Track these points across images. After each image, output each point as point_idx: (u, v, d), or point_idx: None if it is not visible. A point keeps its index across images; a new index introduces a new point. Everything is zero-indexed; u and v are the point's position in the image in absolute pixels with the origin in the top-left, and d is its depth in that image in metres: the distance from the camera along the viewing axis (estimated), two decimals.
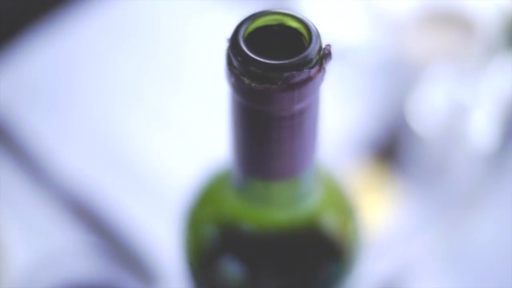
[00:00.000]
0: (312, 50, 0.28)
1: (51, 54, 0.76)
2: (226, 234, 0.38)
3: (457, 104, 0.64)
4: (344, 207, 0.39)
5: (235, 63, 0.28)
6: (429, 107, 0.64)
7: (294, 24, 0.30)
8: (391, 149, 0.70)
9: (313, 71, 0.28)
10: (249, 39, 0.29)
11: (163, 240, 0.66)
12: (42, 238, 0.66)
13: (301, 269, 0.37)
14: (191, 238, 0.40)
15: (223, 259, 0.38)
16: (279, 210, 0.35)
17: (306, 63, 0.28)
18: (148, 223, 0.67)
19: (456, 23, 0.70)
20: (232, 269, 0.37)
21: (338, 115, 0.72)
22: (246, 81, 0.28)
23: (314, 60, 0.28)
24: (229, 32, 0.30)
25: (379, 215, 0.66)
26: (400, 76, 0.71)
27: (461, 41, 0.70)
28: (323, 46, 0.29)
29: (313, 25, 0.29)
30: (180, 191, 0.61)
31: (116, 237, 0.65)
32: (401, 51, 0.71)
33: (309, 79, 0.28)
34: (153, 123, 0.73)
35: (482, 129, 0.66)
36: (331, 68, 0.72)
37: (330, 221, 0.38)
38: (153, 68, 0.76)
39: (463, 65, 0.68)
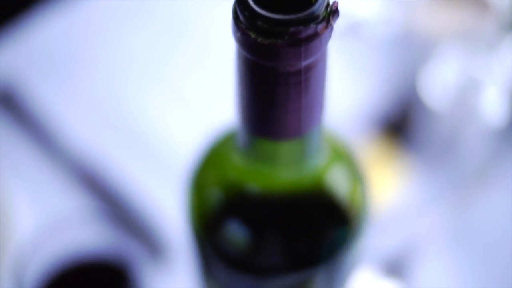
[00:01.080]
0: (320, 6, 0.28)
1: (62, 24, 0.76)
2: (231, 197, 0.38)
3: (469, 79, 0.64)
4: (353, 172, 0.39)
5: (241, 18, 0.28)
6: (440, 82, 0.64)
7: None
8: (402, 123, 0.69)
9: (320, 27, 0.28)
10: None
11: (169, 207, 0.66)
12: (48, 205, 0.66)
13: (307, 233, 0.37)
14: (195, 202, 0.39)
15: (228, 222, 0.37)
16: (286, 171, 0.35)
17: (313, 19, 0.28)
18: (154, 190, 0.67)
19: None
20: (237, 232, 0.37)
21: (349, 89, 0.71)
22: (253, 35, 0.28)
23: (321, 16, 0.28)
24: None
25: (388, 189, 0.66)
26: (412, 50, 0.71)
27: (474, 16, 0.69)
28: (331, 2, 0.29)
29: None
30: (186, 158, 0.61)
31: (121, 203, 0.66)
32: (413, 25, 0.70)
33: (316, 35, 0.28)
34: (158, 91, 0.73)
35: (493, 104, 0.65)
36: (343, 42, 0.71)
37: (338, 185, 0.37)
38: (159, 37, 0.76)
39: (476, 41, 0.68)
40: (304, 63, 0.29)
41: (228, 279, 0.39)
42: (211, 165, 0.39)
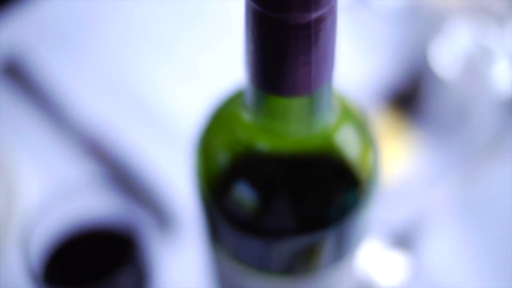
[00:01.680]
0: None
1: None
2: (238, 157, 0.37)
3: (479, 50, 0.63)
4: (364, 135, 0.38)
5: None
6: (451, 53, 0.63)
7: None
8: (412, 95, 0.69)
9: None
10: None
11: (176, 177, 0.66)
12: (55, 174, 0.66)
13: (316, 194, 0.36)
14: (202, 164, 0.39)
15: (236, 183, 0.37)
16: (295, 130, 0.34)
17: None
18: (161, 160, 0.67)
19: None
20: (245, 193, 0.37)
21: (359, 61, 0.71)
22: None
23: None
24: None
25: (397, 161, 0.66)
26: (423, 21, 0.70)
27: None
28: None
29: None
30: (192, 128, 0.61)
31: (129, 173, 0.65)
32: None
33: None
34: (166, 62, 0.73)
35: (503, 76, 0.64)
36: (353, 14, 0.71)
37: (348, 146, 0.37)
38: (167, 9, 0.76)
39: (487, 11, 0.67)
40: (314, 15, 0.28)
41: (236, 242, 0.39)
42: (218, 126, 0.38)
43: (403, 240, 0.62)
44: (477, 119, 0.66)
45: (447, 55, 0.63)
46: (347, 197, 0.37)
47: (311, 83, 0.31)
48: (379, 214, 0.61)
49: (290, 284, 0.40)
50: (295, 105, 0.33)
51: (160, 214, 0.63)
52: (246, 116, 0.35)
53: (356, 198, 0.38)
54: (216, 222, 0.39)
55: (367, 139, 0.38)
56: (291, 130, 0.34)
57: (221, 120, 0.38)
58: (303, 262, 0.39)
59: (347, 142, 0.37)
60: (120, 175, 0.65)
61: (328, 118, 0.35)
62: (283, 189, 0.36)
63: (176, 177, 0.66)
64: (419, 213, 0.63)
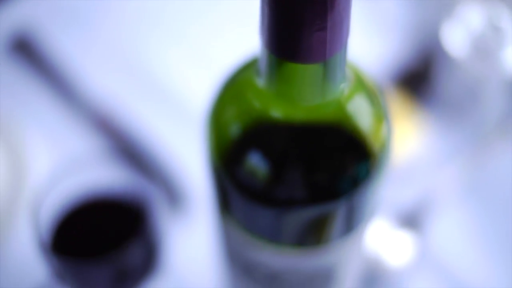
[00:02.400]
0: None
1: None
2: (250, 126, 0.37)
3: (492, 31, 0.63)
4: (377, 108, 0.38)
5: None
6: (464, 33, 0.63)
7: None
8: (424, 74, 0.69)
9: None
10: None
11: (186, 154, 0.66)
12: (65, 149, 0.66)
13: (328, 164, 0.36)
14: (214, 134, 0.38)
15: (248, 153, 0.37)
16: (308, 98, 0.34)
17: None
18: (171, 136, 0.68)
19: None
20: (257, 163, 0.36)
21: (372, 40, 0.71)
22: None
23: None
24: None
25: (407, 142, 0.66)
26: (437, 0, 0.70)
27: None
28: None
29: None
30: (202, 104, 0.61)
31: (138, 149, 0.66)
32: None
33: None
34: (176, 39, 0.73)
35: None
36: None
37: (361, 117, 0.36)
38: None
39: None
40: None
41: (248, 213, 0.39)
42: (230, 95, 0.38)
43: (411, 220, 0.62)
44: (487, 100, 0.66)
45: (459, 35, 0.62)
46: (359, 168, 0.37)
47: (326, 49, 0.31)
48: (387, 194, 0.61)
49: (300, 257, 0.40)
50: (309, 71, 0.32)
51: (170, 190, 0.63)
52: (259, 84, 0.35)
53: (368, 170, 0.38)
54: (228, 193, 0.39)
55: (381, 112, 0.38)
56: (304, 98, 0.34)
57: (233, 88, 0.38)
58: (314, 233, 0.39)
59: (360, 112, 0.37)
60: (130, 151, 0.65)
61: (342, 87, 0.35)
62: (295, 158, 0.36)
63: (185, 153, 0.66)
64: (427, 193, 0.63)
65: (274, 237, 0.39)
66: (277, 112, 0.35)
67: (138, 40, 0.73)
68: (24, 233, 0.60)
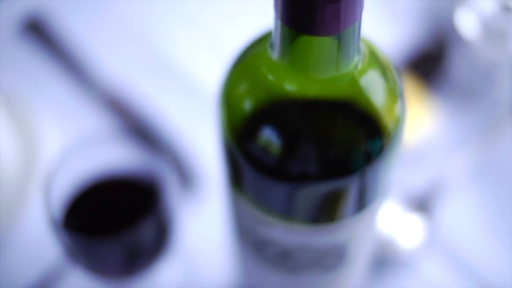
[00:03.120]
0: None
1: None
2: (262, 101, 0.36)
3: (506, 11, 0.62)
4: (391, 84, 0.38)
5: None
6: (478, 15, 0.62)
7: None
8: (438, 57, 0.68)
9: None
10: None
11: (197, 135, 0.66)
12: (76, 128, 0.66)
13: (340, 139, 0.36)
14: (226, 110, 0.38)
15: (261, 128, 0.37)
16: (322, 72, 0.34)
17: None
18: (180, 116, 0.68)
19: None
20: (270, 138, 0.36)
21: (386, 23, 0.70)
22: None
23: None
24: None
25: (419, 126, 0.65)
26: None
27: None
28: None
29: None
30: (212, 84, 0.61)
31: (148, 129, 0.66)
32: None
33: None
34: (186, 20, 0.73)
35: None
36: None
37: (375, 92, 0.36)
38: None
39: None
40: None
41: (260, 190, 0.39)
42: (243, 70, 0.38)
43: (421, 203, 0.62)
44: (499, 83, 0.65)
45: (472, 18, 0.62)
46: (372, 144, 0.37)
47: (340, 22, 0.31)
48: (398, 177, 0.61)
49: (312, 234, 0.40)
50: (323, 44, 0.32)
51: (180, 169, 0.63)
52: (272, 57, 0.35)
53: (381, 146, 0.37)
54: (241, 170, 0.39)
55: (395, 88, 0.38)
56: (318, 70, 0.34)
57: (246, 63, 0.38)
58: (326, 210, 0.39)
59: (374, 87, 0.36)
60: (140, 130, 0.65)
61: (356, 61, 0.34)
62: (308, 133, 0.36)
63: (196, 133, 0.66)
64: (438, 177, 0.63)
65: (286, 213, 0.39)
66: (291, 85, 0.35)
67: (148, 20, 0.73)
68: (37, 212, 0.61)
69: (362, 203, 0.40)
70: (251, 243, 0.44)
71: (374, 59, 0.37)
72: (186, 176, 0.63)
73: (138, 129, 0.65)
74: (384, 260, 0.59)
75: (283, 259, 0.43)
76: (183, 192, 0.63)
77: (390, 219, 0.60)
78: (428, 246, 0.60)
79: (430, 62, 0.68)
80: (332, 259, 0.43)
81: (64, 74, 0.70)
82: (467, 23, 0.62)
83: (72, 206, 0.52)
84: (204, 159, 0.65)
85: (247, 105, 0.37)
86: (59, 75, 0.70)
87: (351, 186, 0.37)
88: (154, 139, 0.64)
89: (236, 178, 0.40)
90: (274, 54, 0.35)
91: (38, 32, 0.71)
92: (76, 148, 0.51)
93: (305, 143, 0.36)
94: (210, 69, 0.69)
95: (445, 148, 0.65)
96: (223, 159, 0.41)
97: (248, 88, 0.37)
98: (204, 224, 0.62)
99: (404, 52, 0.69)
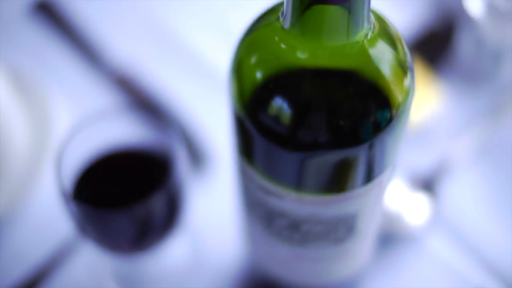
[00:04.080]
0: None
1: None
2: (274, 71, 0.36)
3: None
4: (401, 57, 0.38)
5: None
6: None
7: None
8: (447, 37, 0.69)
9: None
10: None
11: (207, 113, 0.66)
12: (86, 106, 0.66)
13: (349, 108, 0.36)
14: (238, 82, 0.39)
15: (271, 99, 0.37)
16: (332, 41, 0.34)
17: None
18: (189, 95, 0.68)
19: None
20: (281, 109, 0.37)
21: (393, 0, 0.70)
22: None
23: None
24: None
25: (426, 107, 0.66)
26: None
27: None
28: None
29: None
30: (221, 63, 0.61)
31: (159, 108, 0.66)
32: None
33: None
34: (194, 3, 0.73)
35: None
36: None
37: (385, 64, 0.36)
38: None
39: None
40: None
41: (271, 160, 0.39)
42: (253, 41, 0.38)
43: (427, 182, 0.62)
44: (507, 64, 0.65)
45: None
46: (381, 114, 0.37)
47: None
48: (405, 157, 0.61)
49: (322, 204, 0.41)
50: (334, 13, 0.32)
51: (189, 147, 0.63)
52: (283, 27, 0.35)
53: (390, 117, 0.37)
54: (252, 140, 0.39)
55: (405, 61, 0.38)
56: (328, 40, 0.34)
57: (257, 33, 0.38)
58: (335, 180, 0.39)
59: (384, 58, 0.36)
60: (150, 108, 0.66)
61: (366, 31, 0.35)
62: (318, 102, 0.36)
63: (204, 111, 0.66)
64: (444, 157, 0.64)
65: (296, 183, 0.39)
66: (302, 54, 0.35)
67: (159, 7, 0.73)
68: (49, 186, 0.61)
69: (371, 174, 0.40)
70: (260, 216, 0.44)
71: (385, 30, 0.37)
72: (194, 152, 0.63)
73: (148, 106, 0.65)
74: (391, 236, 0.60)
75: (293, 232, 0.44)
76: (192, 168, 0.63)
77: (397, 197, 0.61)
78: (433, 223, 0.61)
79: (437, 43, 0.69)
80: (341, 231, 0.43)
81: (74, 52, 0.70)
82: (475, 3, 0.62)
83: (83, 179, 0.52)
84: (212, 136, 0.65)
85: (258, 74, 0.37)
86: (69, 54, 0.70)
87: (360, 156, 0.38)
88: (163, 116, 0.65)
89: (247, 149, 0.40)
90: (286, 24, 0.35)
91: (48, 12, 0.71)
92: (86, 121, 0.51)
93: (315, 112, 0.36)
94: (218, 46, 0.70)
95: (451, 129, 0.65)
96: (234, 131, 0.42)
97: (259, 58, 0.37)
98: (212, 200, 0.62)
99: (412, 33, 0.69)
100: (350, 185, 0.40)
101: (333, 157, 0.37)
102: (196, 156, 0.63)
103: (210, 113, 0.66)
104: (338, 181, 0.39)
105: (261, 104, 0.37)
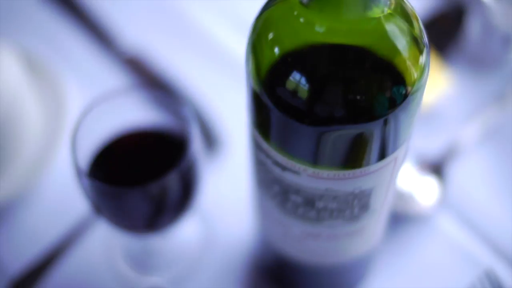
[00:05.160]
0: None
1: None
2: (291, 48, 0.37)
3: None
4: (417, 35, 0.38)
5: None
6: None
7: None
8: (457, 21, 0.69)
9: None
10: None
11: (220, 97, 0.67)
12: (99, 87, 0.67)
13: (365, 84, 0.37)
14: (255, 58, 0.39)
15: (289, 74, 0.37)
16: (349, 16, 0.34)
17: None
18: (201, 78, 0.68)
19: None
20: (298, 84, 0.37)
21: None
22: None
23: None
24: None
25: (435, 93, 0.66)
26: None
27: None
28: None
29: None
30: (234, 47, 0.61)
31: (172, 91, 0.66)
32: None
33: None
34: None
35: None
36: None
37: (401, 40, 0.37)
38: None
39: None
40: None
41: (287, 135, 0.39)
42: (271, 16, 0.38)
43: (436, 166, 0.63)
44: None
45: None
46: (397, 89, 0.37)
47: None
48: (414, 141, 0.61)
49: (337, 180, 0.41)
50: None
51: (203, 130, 0.63)
52: (301, 2, 0.35)
53: (405, 93, 0.38)
54: (268, 116, 0.39)
55: (421, 38, 0.38)
56: (345, 16, 0.34)
57: (275, 8, 0.38)
58: (351, 155, 0.39)
59: (400, 34, 0.37)
60: (164, 90, 0.66)
61: (383, 7, 0.35)
62: (334, 76, 0.36)
63: (217, 96, 0.67)
64: (452, 142, 0.64)
65: (312, 159, 0.40)
66: (319, 29, 0.36)
67: None
68: (64, 165, 0.61)
69: (386, 150, 0.40)
70: (275, 194, 0.45)
71: (401, 7, 0.37)
72: (206, 134, 0.63)
73: (161, 86, 0.65)
74: (401, 216, 0.60)
75: (308, 209, 0.44)
76: (204, 150, 0.63)
77: (407, 180, 0.61)
78: (441, 205, 0.61)
79: (447, 27, 0.69)
80: (356, 208, 0.44)
81: (86, 35, 0.70)
82: None
83: (98, 157, 0.52)
84: (223, 118, 0.65)
85: (276, 49, 0.37)
86: (81, 36, 0.70)
87: (376, 131, 0.38)
88: (177, 95, 0.65)
89: (264, 125, 0.41)
90: (300, 5, 0.35)
91: None
92: (101, 100, 0.51)
93: (332, 87, 0.36)
94: (230, 28, 0.70)
95: (459, 113, 0.66)
96: (251, 107, 0.42)
97: (277, 33, 0.38)
98: (224, 182, 0.62)
99: (421, 17, 0.69)
100: (366, 161, 0.40)
101: (349, 132, 0.38)
102: (208, 138, 0.64)
103: (221, 96, 0.66)
104: (354, 157, 0.40)
105: (279, 79, 0.37)
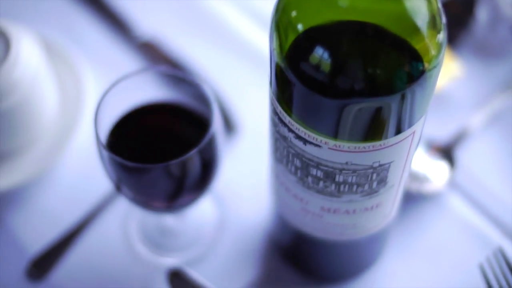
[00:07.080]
0: None
1: None
2: (314, 23, 0.38)
3: None
4: (434, 9, 0.39)
5: None
6: None
7: None
8: (465, 6, 0.69)
9: None
10: None
11: (237, 82, 0.67)
12: (114, 72, 0.67)
13: (384, 59, 0.37)
14: (278, 33, 0.40)
15: (312, 48, 0.38)
16: None
17: None
18: (217, 64, 0.69)
19: None
20: (320, 58, 0.38)
21: None
22: None
23: None
24: None
25: (445, 82, 0.67)
26: None
27: None
28: None
29: None
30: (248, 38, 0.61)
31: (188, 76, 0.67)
32: None
33: None
34: None
35: None
36: None
37: (419, 17, 0.37)
38: None
39: None
40: None
41: (309, 108, 0.40)
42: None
43: (446, 149, 0.63)
44: None
45: None
46: (415, 64, 0.38)
47: None
48: (426, 127, 0.62)
49: (357, 153, 0.42)
50: None
51: (222, 116, 0.64)
52: None
53: (423, 68, 0.39)
54: (291, 90, 0.40)
55: (439, 15, 0.40)
56: None
57: None
58: (372, 128, 0.40)
59: (420, 12, 0.38)
60: (185, 73, 0.66)
61: None
62: (354, 51, 0.38)
63: (233, 82, 0.67)
64: (461, 126, 0.65)
65: (334, 132, 0.41)
66: (341, 5, 0.37)
67: None
68: (82, 146, 0.62)
69: (404, 123, 0.41)
70: (295, 170, 0.46)
71: None
72: (224, 118, 0.64)
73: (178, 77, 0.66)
74: (413, 196, 0.61)
75: (328, 183, 0.45)
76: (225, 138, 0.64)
77: (418, 163, 0.62)
78: (451, 186, 0.62)
79: (456, 14, 0.69)
80: (375, 182, 0.45)
81: (103, 21, 0.71)
82: None
83: (120, 133, 0.52)
84: (239, 102, 0.66)
85: (299, 25, 0.39)
86: (97, 21, 0.71)
87: (394, 105, 0.39)
88: (197, 76, 0.66)
89: (287, 100, 0.42)
90: None
91: None
92: (123, 78, 0.51)
93: (353, 61, 0.38)
94: (246, 13, 0.70)
95: (469, 99, 0.66)
96: (274, 83, 0.43)
97: (300, 10, 0.39)
98: (240, 165, 0.63)
99: None
100: (385, 134, 0.41)
101: (369, 105, 0.39)
102: (225, 121, 0.64)
103: (236, 81, 0.67)
104: (373, 130, 0.41)
105: (302, 54, 0.39)
